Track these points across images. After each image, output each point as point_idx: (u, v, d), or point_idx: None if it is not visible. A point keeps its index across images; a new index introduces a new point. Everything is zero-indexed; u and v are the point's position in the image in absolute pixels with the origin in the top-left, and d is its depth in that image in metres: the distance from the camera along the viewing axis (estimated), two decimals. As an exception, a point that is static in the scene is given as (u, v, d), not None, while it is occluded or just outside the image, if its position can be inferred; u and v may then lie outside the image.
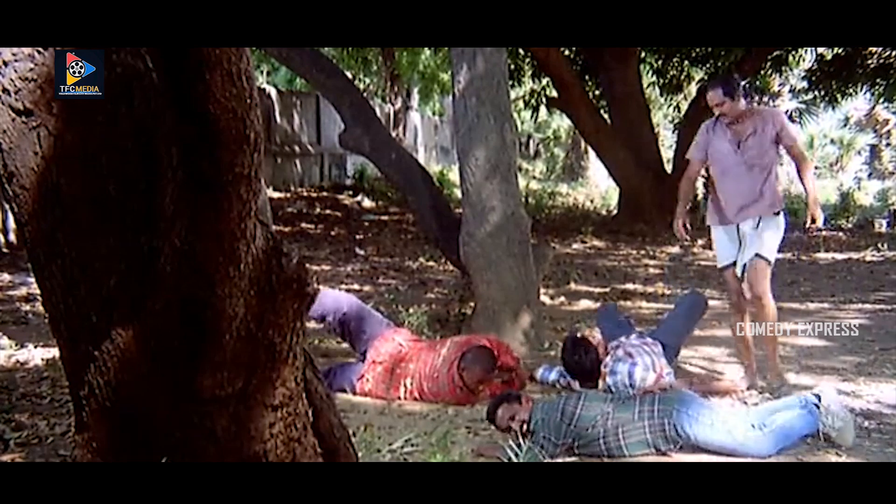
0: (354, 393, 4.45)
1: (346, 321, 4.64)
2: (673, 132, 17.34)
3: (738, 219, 4.46)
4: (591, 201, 18.32)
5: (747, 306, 4.51)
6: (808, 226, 4.53)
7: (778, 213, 4.46)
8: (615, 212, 14.17)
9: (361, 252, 10.38)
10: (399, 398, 4.36)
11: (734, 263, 4.51)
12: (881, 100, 17.61)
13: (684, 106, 15.73)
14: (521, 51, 13.21)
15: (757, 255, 4.37)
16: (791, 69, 15.55)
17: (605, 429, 3.43)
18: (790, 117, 18.14)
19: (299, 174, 16.05)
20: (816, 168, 26.54)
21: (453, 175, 15.14)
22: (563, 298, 7.38)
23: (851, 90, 14.98)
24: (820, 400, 3.54)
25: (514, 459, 3.20)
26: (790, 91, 18.56)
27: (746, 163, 4.44)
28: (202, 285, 1.61)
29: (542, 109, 15.21)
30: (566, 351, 4.42)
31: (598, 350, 4.42)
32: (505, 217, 5.30)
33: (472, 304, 5.69)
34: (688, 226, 4.74)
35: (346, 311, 4.64)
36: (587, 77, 14.12)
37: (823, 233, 12.88)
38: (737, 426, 3.44)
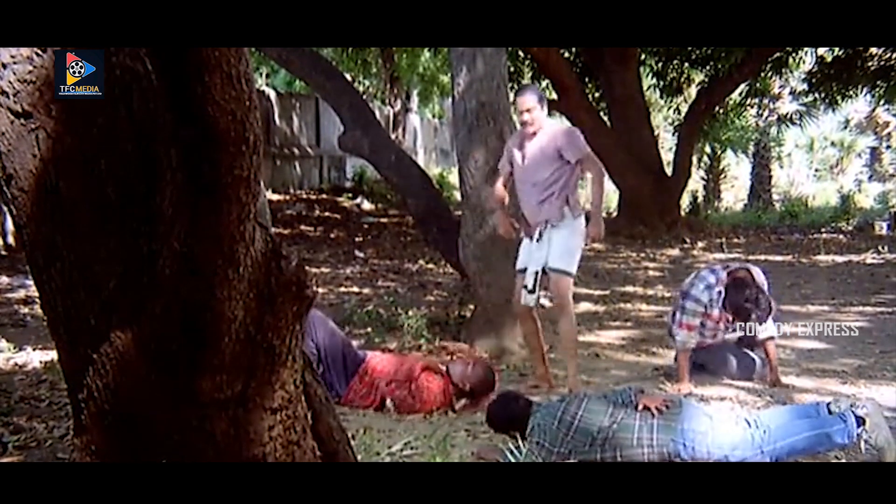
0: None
1: (319, 353, 4.25)
2: (673, 134, 17.36)
3: (531, 231, 4.59)
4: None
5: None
6: (588, 242, 4.71)
7: (575, 219, 4.55)
8: (615, 214, 14.18)
9: (361, 255, 10.39)
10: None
11: (524, 270, 4.60)
12: (882, 102, 17.67)
13: (684, 108, 15.75)
14: (520, 53, 13.21)
15: (551, 268, 4.49)
16: (791, 71, 15.58)
17: (603, 448, 3.36)
18: (790, 119, 18.27)
19: (298, 176, 16.07)
20: (817, 171, 26.65)
21: (453, 177, 15.16)
22: (562, 301, 7.36)
23: (852, 92, 15.03)
24: (863, 423, 3.24)
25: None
26: (790, 93, 18.62)
27: (528, 179, 4.54)
28: (201, 288, 1.61)
29: (542, 112, 15.18)
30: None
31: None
32: (504, 219, 5.30)
33: (471, 306, 5.70)
34: (513, 224, 4.82)
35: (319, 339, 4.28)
36: (587, 79, 14.13)
37: (824, 235, 12.90)
38: (734, 452, 3.33)
